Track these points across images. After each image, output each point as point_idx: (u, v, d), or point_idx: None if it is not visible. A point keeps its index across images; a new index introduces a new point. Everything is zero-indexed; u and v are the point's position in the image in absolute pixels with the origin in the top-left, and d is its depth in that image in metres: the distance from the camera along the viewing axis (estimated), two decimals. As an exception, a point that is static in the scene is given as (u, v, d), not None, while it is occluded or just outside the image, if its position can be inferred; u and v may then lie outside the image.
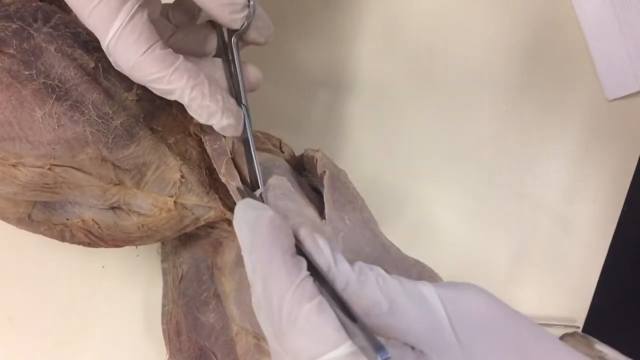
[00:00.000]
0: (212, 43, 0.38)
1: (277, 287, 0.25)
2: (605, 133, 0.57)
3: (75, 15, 0.41)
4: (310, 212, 0.38)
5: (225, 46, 0.37)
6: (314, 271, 0.26)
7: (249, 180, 0.38)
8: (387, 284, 0.26)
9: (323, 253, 0.27)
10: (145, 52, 0.31)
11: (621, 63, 0.55)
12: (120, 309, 0.48)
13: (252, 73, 0.37)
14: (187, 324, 0.42)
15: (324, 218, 0.38)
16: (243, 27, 0.34)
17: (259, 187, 0.37)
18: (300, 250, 0.27)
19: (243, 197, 0.37)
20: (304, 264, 0.26)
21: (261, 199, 0.36)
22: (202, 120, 0.34)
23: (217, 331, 0.42)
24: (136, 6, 0.30)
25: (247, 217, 0.28)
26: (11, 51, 0.34)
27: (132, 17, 0.30)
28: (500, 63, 0.56)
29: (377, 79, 0.55)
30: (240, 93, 0.36)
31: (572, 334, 0.44)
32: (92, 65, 0.36)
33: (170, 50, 0.32)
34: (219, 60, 0.37)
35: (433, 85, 0.55)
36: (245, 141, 0.37)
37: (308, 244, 0.27)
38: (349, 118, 0.54)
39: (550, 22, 0.57)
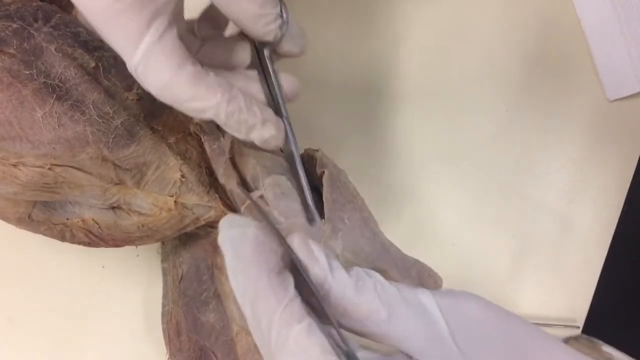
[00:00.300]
0: (245, 54, 0.35)
1: (264, 308, 0.24)
2: (606, 133, 0.57)
3: (75, 15, 0.41)
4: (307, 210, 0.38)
5: (257, 59, 0.35)
6: (305, 283, 0.25)
7: (251, 184, 0.39)
8: (386, 291, 0.26)
9: (318, 261, 0.26)
10: (177, 71, 0.29)
11: (622, 63, 0.55)
12: (120, 309, 0.48)
13: (289, 83, 0.35)
14: (187, 324, 0.42)
15: (324, 217, 0.38)
16: (277, 38, 0.32)
17: (308, 206, 0.36)
18: (293, 260, 0.26)
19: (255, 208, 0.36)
20: (291, 281, 0.25)
21: (314, 219, 0.36)
22: (241, 137, 0.32)
23: (217, 331, 0.42)
24: (167, 21, 0.29)
25: (230, 235, 0.27)
26: (11, 51, 0.34)
27: (163, 34, 0.29)
28: (501, 63, 0.56)
29: (378, 79, 0.55)
30: (280, 105, 0.35)
31: (577, 338, 0.44)
32: (93, 64, 0.36)
33: (200, 67, 0.30)
34: (254, 73, 0.35)
35: (433, 85, 0.55)
36: (289, 156, 0.36)
37: (302, 253, 0.26)
38: (349, 118, 0.54)
39: (551, 23, 0.57)
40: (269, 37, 0.32)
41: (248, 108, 0.31)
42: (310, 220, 0.36)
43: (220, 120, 0.31)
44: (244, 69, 0.36)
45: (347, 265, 0.37)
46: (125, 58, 0.29)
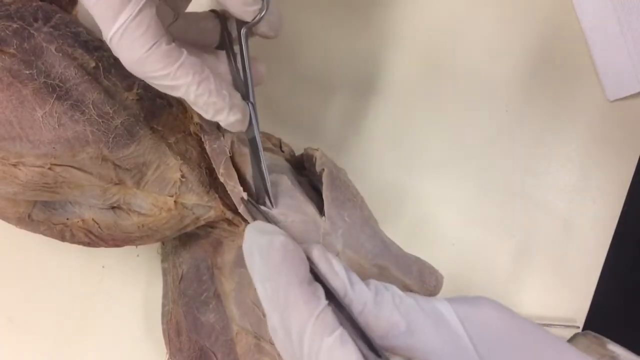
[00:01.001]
0: (215, 34, 0.36)
1: (296, 318, 0.24)
2: (606, 133, 0.57)
3: (76, 15, 0.41)
4: (310, 209, 0.38)
5: (228, 38, 0.36)
6: (329, 294, 0.25)
7: (251, 183, 0.39)
8: (404, 303, 0.26)
9: (338, 275, 0.26)
10: (150, 47, 0.30)
11: (622, 64, 0.55)
12: (120, 309, 0.48)
13: (258, 68, 0.36)
14: (187, 324, 0.42)
15: (324, 215, 0.38)
16: (255, 20, 0.33)
17: (267, 191, 0.36)
18: (313, 272, 0.26)
19: (247, 206, 0.36)
20: (322, 292, 0.25)
21: (270, 204, 0.36)
22: (207, 117, 0.33)
23: (217, 331, 0.42)
24: None
25: (258, 243, 0.27)
26: (12, 50, 0.34)
27: (140, 10, 0.29)
28: (502, 63, 0.56)
29: (378, 78, 0.55)
30: (248, 88, 0.35)
31: (585, 334, 0.44)
32: (93, 64, 0.36)
33: (174, 45, 0.31)
34: (222, 54, 0.36)
35: (434, 85, 0.55)
36: (252, 141, 0.36)
37: (323, 267, 0.26)
38: (349, 117, 0.54)
39: (551, 23, 0.57)
40: (248, 17, 0.33)
41: (218, 91, 0.32)
42: (261, 204, 0.36)
43: (189, 100, 0.32)
44: (214, 48, 0.36)
45: (349, 264, 0.38)
46: (103, 33, 0.30)
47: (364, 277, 0.37)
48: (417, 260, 0.41)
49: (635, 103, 0.57)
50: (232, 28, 0.37)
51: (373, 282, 0.27)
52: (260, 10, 0.33)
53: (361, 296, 0.26)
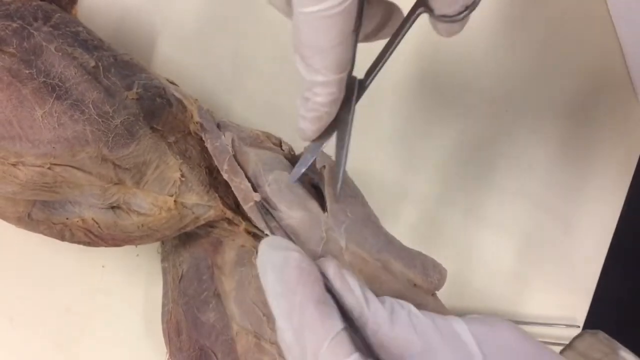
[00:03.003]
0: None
1: (311, 340, 0.24)
2: (606, 133, 0.57)
3: (75, 15, 0.41)
4: (313, 204, 0.38)
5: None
6: (344, 313, 0.25)
7: (252, 181, 0.39)
8: (420, 322, 0.26)
9: (354, 293, 0.26)
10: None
11: None
12: (120, 309, 0.48)
13: None
14: (187, 323, 0.42)
15: (326, 211, 0.38)
16: (457, 16, 0.30)
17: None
18: (328, 289, 0.26)
19: (258, 208, 0.36)
20: (338, 314, 0.25)
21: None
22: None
23: (218, 330, 0.41)
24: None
25: (272, 259, 0.26)
26: (11, 50, 0.34)
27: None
28: (502, 63, 0.56)
29: (378, 78, 0.55)
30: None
31: (595, 333, 0.44)
32: (93, 64, 0.36)
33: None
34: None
35: (434, 84, 0.55)
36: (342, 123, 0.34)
37: (338, 284, 0.26)
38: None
39: (552, 21, 0.57)
40: (450, 10, 0.30)
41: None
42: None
43: None
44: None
45: (353, 259, 0.38)
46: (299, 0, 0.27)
47: (368, 271, 0.38)
48: (420, 254, 0.41)
49: (636, 103, 0.57)
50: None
51: (388, 300, 0.26)
52: (468, 6, 0.30)
53: (377, 315, 0.25)
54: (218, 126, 0.42)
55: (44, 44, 0.35)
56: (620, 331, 0.52)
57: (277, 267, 0.26)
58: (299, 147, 0.44)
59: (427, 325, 0.26)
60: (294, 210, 0.37)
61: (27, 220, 0.38)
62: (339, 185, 0.36)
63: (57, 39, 0.35)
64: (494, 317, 0.27)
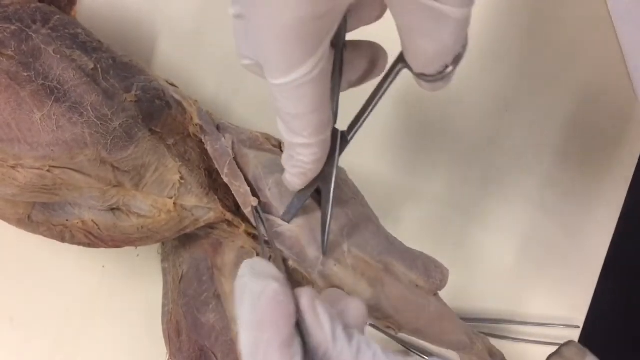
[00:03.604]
0: None
1: None
2: (605, 133, 0.57)
3: (74, 17, 0.41)
4: (315, 208, 0.38)
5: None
6: (310, 347, 0.26)
7: (253, 183, 0.39)
8: None
9: (323, 329, 0.26)
10: (311, 115, 0.29)
11: None
12: (120, 309, 0.48)
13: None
14: (187, 324, 0.42)
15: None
16: (435, 76, 0.30)
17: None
18: (299, 320, 0.26)
19: (258, 216, 0.37)
20: (299, 356, 0.25)
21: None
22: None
23: (217, 331, 0.42)
24: (326, 55, 0.27)
25: (250, 287, 0.26)
26: (10, 52, 0.34)
27: (317, 66, 0.27)
28: (502, 63, 0.56)
29: (378, 79, 0.55)
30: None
31: (567, 344, 0.44)
32: (91, 66, 0.36)
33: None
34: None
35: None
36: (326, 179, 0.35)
37: (308, 318, 0.26)
38: (349, 118, 0.54)
39: (553, 20, 0.56)
40: (430, 70, 0.30)
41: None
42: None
43: None
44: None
45: (355, 262, 0.38)
46: (268, 72, 0.28)
47: (370, 273, 0.38)
48: (422, 255, 0.41)
49: (635, 103, 0.57)
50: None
51: (357, 338, 0.26)
52: (447, 68, 0.29)
53: (342, 354, 0.25)
54: (218, 128, 0.41)
55: (42, 46, 0.35)
56: (620, 332, 0.53)
57: (253, 296, 0.26)
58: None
59: None
60: (296, 215, 0.38)
61: (28, 222, 0.38)
62: (325, 238, 0.36)
63: (55, 41, 0.35)
64: None
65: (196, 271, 0.43)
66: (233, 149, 0.40)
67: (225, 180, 0.38)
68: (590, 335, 0.54)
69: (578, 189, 0.56)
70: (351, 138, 0.34)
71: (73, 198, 0.37)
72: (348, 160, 0.51)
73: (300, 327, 0.26)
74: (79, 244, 0.40)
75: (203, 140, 0.40)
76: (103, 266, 0.48)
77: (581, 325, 0.55)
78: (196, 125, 0.40)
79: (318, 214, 0.38)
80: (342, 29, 0.30)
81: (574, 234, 0.55)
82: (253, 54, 0.29)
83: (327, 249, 0.37)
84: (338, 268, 0.38)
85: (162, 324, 0.45)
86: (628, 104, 0.57)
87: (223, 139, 0.40)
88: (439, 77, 0.30)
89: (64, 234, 0.39)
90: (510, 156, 0.55)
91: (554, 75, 0.56)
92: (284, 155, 0.33)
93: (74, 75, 0.35)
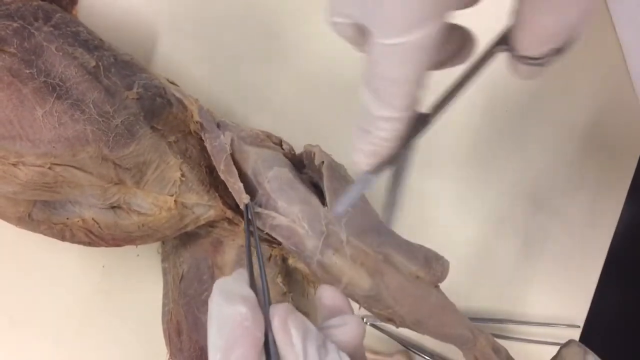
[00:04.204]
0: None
1: None
2: (605, 133, 0.57)
3: (76, 15, 0.41)
4: (313, 199, 0.38)
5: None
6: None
7: (251, 179, 0.39)
8: None
9: (294, 348, 0.26)
10: (411, 86, 0.27)
11: None
12: (120, 309, 0.48)
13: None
14: (187, 324, 0.42)
15: (326, 206, 0.38)
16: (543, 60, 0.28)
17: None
18: (269, 341, 0.26)
19: (248, 212, 0.36)
20: None
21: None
22: None
23: (218, 331, 0.41)
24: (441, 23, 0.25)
25: (218, 310, 0.26)
26: (12, 50, 0.34)
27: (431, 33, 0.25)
28: (502, 63, 0.56)
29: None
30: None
31: (568, 344, 0.44)
32: (93, 64, 0.36)
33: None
34: None
35: (434, 84, 0.55)
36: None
37: (279, 337, 0.26)
38: (349, 117, 0.54)
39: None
40: (538, 52, 0.28)
41: None
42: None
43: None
44: None
45: (354, 252, 0.38)
46: (382, 30, 0.25)
47: (369, 264, 0.38)
48: (422, 247, 0.41)
49: (635, 103, 0.57)
50: None
51: (331, 355, 0.26)
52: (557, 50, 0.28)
53: None
54: (218, 126, 0.42)
55: (44, 43, 0.35)
56: (620, 332, 0.53)
57: (220, 320, 0.26)
58: (299, 146, 0.44)
59: None
60: (294, 205, 0.37)
61: (28, 221, 0.38)
62: (391, 223, 0.34)
63: (57, 39, 0.35)
64: None
65: (197, 270, 0.43)
66: (232, 145, 0.40)
67: (222, 176, 0.38)
68: (590, 335, 0.54)
69: (579, 189, 0.56)
70: (433, 121, 0.31)
71: (74, 196, 0.37)
72: (348, 160, 0.52)
73: (269, 348, 0.26)
74: (80, 242, 0.40)
75: (202, 138, 0.40)
76: (103, 266, 0.48)
77: (581, 325, 0.55)
78: (197, 122, 0.40)
79: (316, 204, 0.38)
80: None
81: (574, 234, 0.55)
82: (359, 9, 0.27)
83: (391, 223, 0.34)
84: (337, 257, 0.38)
85: (163, 323, 0.44)
86: (628, 104, 0.57)
87: (222, 136, 0.40)
88: (543, 61, 0.28)
89: (65, 233, 0.39)
90: (511, 156, 0.55)
91: (554, 75, 0.57)
92: (355, 131, 0.30)
93: (75, 73, 0.35)
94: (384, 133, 0.29)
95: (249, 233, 0.36)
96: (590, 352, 0.41)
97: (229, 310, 0.26)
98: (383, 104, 0.28)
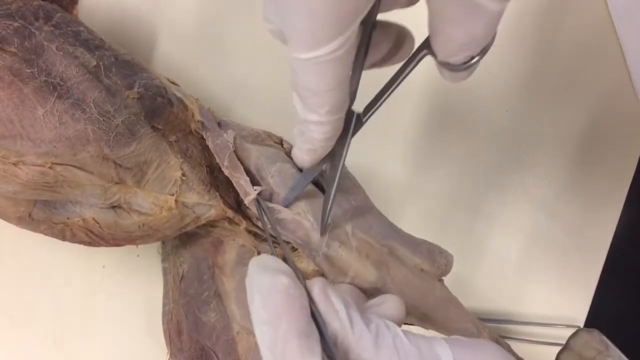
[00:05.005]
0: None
1: None
2: (606, 133, 0.57)
3: (76, 14, 0.41)
4: (318, 193, 0.38)
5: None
6: (328, 335, 0.25)
7: (254, 174, 0.39)
8: (404, 347, 0.25)
9: (338, 315, 0.25)
10: (333, 91, 0.29)
11: None
12: (120, 309, 0.48)
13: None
14: (188, 324, 0.42)
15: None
16: (462, 65, 0.29)
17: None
18: (312, 311, 0.26)
19: (259, 206, 0.36)
20: (318, 345, 0.24)
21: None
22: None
23: (218, 331, 0.41)
24: (355, 33, 0.27)
25: (259, 282, 0.26)
26: (13, 49, 0.34)
27: (344, 46, 0.27)
28: (502, 63, 0.56)
29: (379, 77, 0.55)
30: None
31: (590, 331, 0.43)
32: (94, 63, 0.36)
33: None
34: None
35: (434, 84, 0.55)
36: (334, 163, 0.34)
37: (322, 307, 0.26)
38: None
39: (556, 22, 0.57)
40: (457, 60, 0.29)
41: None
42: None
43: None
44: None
45: (359, 244, 0.38)
46: (293, 45, 0.27)
47: (374, 256, 0.38)
48: (425, 241, 0.41)
49: (635, 103, 0.57)
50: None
51: (375, 321, 0.26)
52: (472, 59, 0.29)
53: (360, 339, 0.25)
54: (219, 125, 0.42)
55: (45, 43, 0.35)
56: (620, 332, 0.53)
57: (263, 292, 0.25)
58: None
59: (410, 353, 0.25)
60: (299, 199, 0.38)
61: (28, 220, 0.38)
62: (327, 217, 0.36)
63: (58, 39, 0.35)
64: (480, 341, 0.27)
65: (197, 270, 0.43)
66: (235, 143, 0.40)
67: (226, 172, 0.38)
68: (591, 335, 0.54)
69: (578, 189, 0.56)
70: (366, 120, 0.33)
71: (74, 196, 0.37)
72: (348, 160, 0.52)
73: (315, 319, 0.25)
74: (80, 242, 0.40)
75: (204, 137, 0.40)
76: (103, 266, 0.48)
77: (581, 325, 0.55)
78: (198, 122, 0.40)
79: (321, 199, 0.38)
80: (375, 8, 0.29)
81: (575, 234, 0.55)
82: (280, 21, 0.28)
83: (326, 229, 0.37)
84: (342, 250, 0.37)
85: (163, 323, 0.44)
86: (628, 104, 0.57)
87: (225, 134, 0.40)
88: (463, 67, 0.29)
89: (65, 232, 0.39)
90: (512, 156, 0.55)
91: (554, 76, 0.57)
92: (295, 130, 0.33)
93: (76, 72, 0.35)
94: (316, 134, 0.31)
95: (266, 224, 0.37)
96: (603, 336, 0.41)
97: (271, 282, 0.25)
98: (309, 110, 0.30)
